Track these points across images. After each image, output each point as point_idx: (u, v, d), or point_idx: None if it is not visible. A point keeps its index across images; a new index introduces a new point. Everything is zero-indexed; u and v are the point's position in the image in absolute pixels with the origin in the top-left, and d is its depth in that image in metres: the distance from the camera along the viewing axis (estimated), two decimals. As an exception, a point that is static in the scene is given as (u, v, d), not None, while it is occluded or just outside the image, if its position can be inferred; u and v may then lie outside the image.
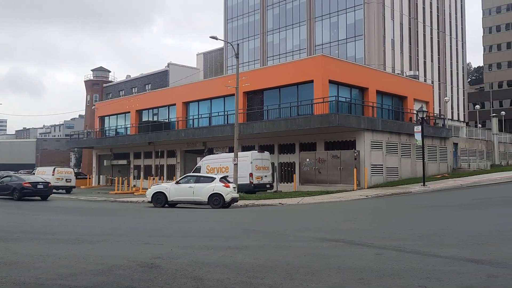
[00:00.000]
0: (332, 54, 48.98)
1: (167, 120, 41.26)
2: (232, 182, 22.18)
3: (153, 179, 37.12)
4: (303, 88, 30.29)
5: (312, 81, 29.25)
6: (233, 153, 25.57)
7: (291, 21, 63.72)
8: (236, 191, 22.14)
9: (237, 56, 26.21)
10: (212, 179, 21.46)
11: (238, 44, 29.16)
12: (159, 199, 21.90)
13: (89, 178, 50.59)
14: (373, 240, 10.13)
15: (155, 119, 43.07)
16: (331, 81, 29.24)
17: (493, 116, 47.07)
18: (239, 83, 26.56)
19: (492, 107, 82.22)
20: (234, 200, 21.49)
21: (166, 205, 21.95)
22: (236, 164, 24.49)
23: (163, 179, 40.35)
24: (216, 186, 20.81)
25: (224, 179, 21.69)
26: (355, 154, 26.87)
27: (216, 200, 20.65)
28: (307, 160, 29.00)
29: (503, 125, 64.79)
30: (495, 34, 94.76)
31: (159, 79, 60.05)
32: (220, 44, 68.85)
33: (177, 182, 22.43)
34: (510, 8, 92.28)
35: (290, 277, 6.77)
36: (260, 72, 36.64)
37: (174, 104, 40.34)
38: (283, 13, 64.67)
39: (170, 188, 21.94)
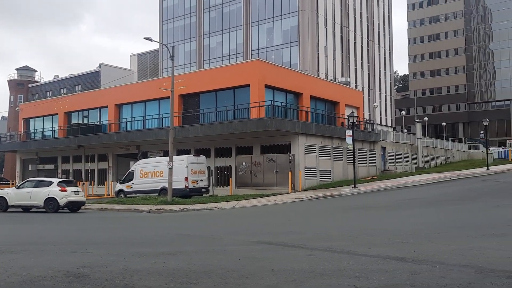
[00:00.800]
0: (268, 59, 49.73)
1: (98, 123, 39.69)
2: (71, 186, 22.00)
3: (83, 184, 35.52)
4: (240, 92, 30.44)
5: (248, 85, 29.48)
6: (168, 157, 25.10)
7: (228, 25, 63.94)
8: (82, 196, 22.33)
9: (172, 58, 25.82)
10: (49, 183, 21.74)
11: (173, 46, 28.74)
12: (1, 204, 22.15)
13: (12, 183, 47.45)
14: (306, 241, 10.34)
15: (86, 121, 41.30)
16: (267, 86, 29.64)
17: (417, 122, 50.06)
18: (174, 86, 26.15)
19: (417, 113, 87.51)
20: (76, 204, 21.73)
21: (9, 210, 22.04)
22: (171, 168, 24.06)
23: (94, 184, 38.75)
24: (52, 191, 21.18)
25: (64, 183, 21.88)
26: (290, 158, 27.39)
27: (51, 204, 21.08)
28: (243, 163, 29.14)
29: (426, 130, 69.15)
30: (419, 44, 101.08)
31: (90, 80, 57.71)
32: (155, 46, 67.52)
33: (18, 187, 22.81)
34: (433, 20, 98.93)
35: (224, 281, 6.73)
36: (196, 75, 36.32)
37: (106, 106, 38.91)
38: (220, 17, 64.74)
39: (11, 193, 22.29)
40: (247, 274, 7.21)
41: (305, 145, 28.56)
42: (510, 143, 65.40)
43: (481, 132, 63.05)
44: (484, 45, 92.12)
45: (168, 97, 27.91)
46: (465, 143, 67.03)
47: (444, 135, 75.45)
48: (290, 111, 30.88)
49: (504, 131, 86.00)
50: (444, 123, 79.29)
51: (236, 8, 63.12)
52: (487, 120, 41.53)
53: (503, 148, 62.48)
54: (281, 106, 29.86)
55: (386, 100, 74.72)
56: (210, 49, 65.68)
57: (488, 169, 36.46)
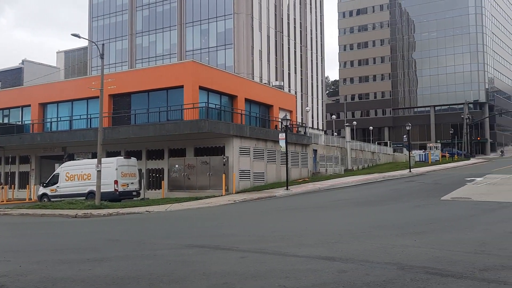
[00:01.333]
0: (202, 61, 49.42)
1: (20, 123, 37.23)
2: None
3: (2, 187, 33.12)
4: (173, 93, 29.91)
5: (182, 87, 29.05)
6: (96, 159, 24.06)
7: (162, 24, 62.80)
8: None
9: (102, 57, 24.82)
10: None
11: (103, 44, 27.62)
12: None
13: None
14: (238, 244, 10.36)
15: (6, 121, 38.58)
16: (201, 87, 29.39)
17: (347, 126, 52.14)
18: (104, 85, 25.16)
19: (346, 117, 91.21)
20: None
21: None
22: (99, 171, 23.08)
23: (14, 188, 36.27)
24: None
25: None
26: (224, 160, 27.36)
27: None
28: (176, 166, 28.69)
29: (355, 134, 72.17)
30: (349, 51, 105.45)
31: (11, 77, 54.08)
32: (84, 43, 64.76)
33: None
34: (362, 29, 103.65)
35: (153, 286, 6.56)
36: (127, 74, 35.20)
37: (29, 105, 36.60)
38: (153, 16, 63.42)
39: None
40: (177, 279, 7.08)
41: (240, 148, 28.68)
42: (430, 147, 69.99)
43: (404, 136, 66.87)
44: (408, 54, 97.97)
45: (97, 97, 26.78)
46: (390, 146, 70.79)
47: (371, 138, 79.20)
48: (225, 113, 30.87)
49: (425, 136, 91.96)
50: (371, 127, 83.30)
51: (170, 8, 62.17)
52: (410, 125, 44.22)
53: (423, 151, 66.75)
54: (215, 108, 29.76)
55: (318, 104, 77.06)
56: (142, 49, 64.11)
57: (410, 171, 38.75)
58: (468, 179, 28.21)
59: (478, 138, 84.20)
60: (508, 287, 6.24)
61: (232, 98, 32.67)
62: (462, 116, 79.36)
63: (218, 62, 54.85)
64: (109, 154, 29.96)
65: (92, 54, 64.80)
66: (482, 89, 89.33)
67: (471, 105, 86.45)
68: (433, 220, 13.36)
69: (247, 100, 33.71)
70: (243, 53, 56.47)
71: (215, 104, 30.22)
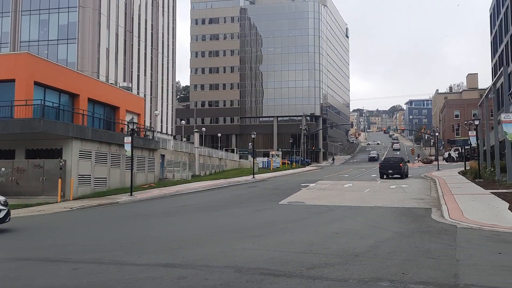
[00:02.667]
0: (40, 54, 44.84)
1: None
2: None
3: None
4: (2, 88, 26.45)
5: (13, 80, 25.86)
6: None
7: (-9, 9, 55.33)
8: None
9: None
10: None
11: None
12: None
13: None
14: (71, 254, 9.56)
15: None
16: (37, 83, 26.56)
17: (196, 131, 52.68)
18: None
19: (196, 123, 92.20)
20: None
21: None
22: None
23: None
24: None
25: None
26: (61, 164, 25.14)
27: None
28: (3, 169, 25.37)
29: (204, 140, 73.33)
30: (200, 58, 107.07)
31: None
32: None
33: None
34: (213, 38, 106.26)
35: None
36: None
37: None
38: (-18, -2, 55.53)
39: None
40: (-8, 299, 6.18)
41: (80, 151, 26.70)
42: (272, 154, 74.93)
43: (250, 143, 70.39)
44: (255, 66, 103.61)
45: None
46: (236, 153, 73.75)
47: (219, 145, 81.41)
48: (64, 113, 28.42)
49: (268, 144, 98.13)
50: (219, 134, 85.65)
51: (4, -8, 55.21)
52: (255, 133, 46.74)
53: (267, 159, 71.16)
54: (53, 107, 27.20)
55: (167, 109, 76.32)
56: (-34, 34, 55.59)
57: (254, 177, 40.85)
58: (303, 184, 30.87)
59: (313, 148, 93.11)
60: (330, 282, 6.91)
61: (74, 97, 30.29)
62: (300, 127, 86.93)
63: (59, 57, 50.37)
64: None
65: None
66: (317, 104, 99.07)
67: (308, 118, 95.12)
68: (271, 223, 14.20)
69: (91, 100, 31.61)
70: (88, 49, 52.97)
71: (53, 103, 27.63)
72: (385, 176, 36.32)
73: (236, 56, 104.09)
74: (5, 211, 13.54)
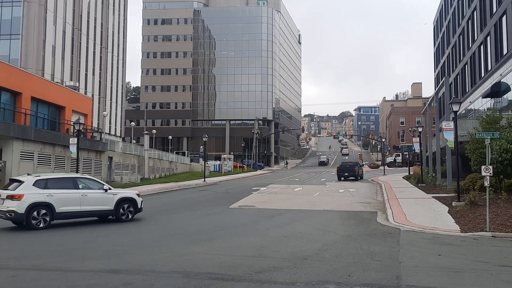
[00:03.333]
0: (-20, 49, 42.40)
1: None
2: None
3: None
4: None
5: None
6: None
7: None
8: None
9: None
10: None
11: None
12: None
13: None
14: (7, 261, 9.05)
15: None
16: (-25, 80, 25.13)
17: (146, 134, 51.59)
18: None
19: (146, 125, 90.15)
20: None
21: None
22: None
23: None
24: None
25: None
26: (1, 165, 23.85)
27: None
28: None
29: (154, 142, 72.02)
30: (152, 59, 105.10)
31: None
32: None
33: None
34: (166, 39, 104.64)
35: None
36: None
37: None
38: None
39: None
40: None
41: (21, 152, 25.43)
42: (224, 158, 74.73)
43: (201, 146, 69.85)
44: (208, 69, 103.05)
45: None
46: (188, 156, 72.88)
47: (170, 147, 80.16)
48: (5, 112, 27.00)
49: (220, 147, 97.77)
50: (170, 137, 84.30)
51: None
52: (207, 136, 46.32)
53: (218, 162, 70.84)
54: (-8, 105, 25.80)
55: (117, 110, 74.30)
56: None
57: (205, 180, 40.51)
58: (254, 188, 30.98)
59: (265, 152, 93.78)
60: (278, 286, 6.94)
61: (16, 95, 28.85)
62: (252, 131, 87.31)
63: (1, 53, 47.77)
64: None
65: None
66: (270, 108, 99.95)
67: (260, 122, 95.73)
68: (221, 227, 14.12)
69: (34, 99, 30.22)
70: (33, 46, 50.64)
71: (-7, 101, 26.21)
72: (342, 178, 41.07)
73: (189, 58, 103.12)
74: None
